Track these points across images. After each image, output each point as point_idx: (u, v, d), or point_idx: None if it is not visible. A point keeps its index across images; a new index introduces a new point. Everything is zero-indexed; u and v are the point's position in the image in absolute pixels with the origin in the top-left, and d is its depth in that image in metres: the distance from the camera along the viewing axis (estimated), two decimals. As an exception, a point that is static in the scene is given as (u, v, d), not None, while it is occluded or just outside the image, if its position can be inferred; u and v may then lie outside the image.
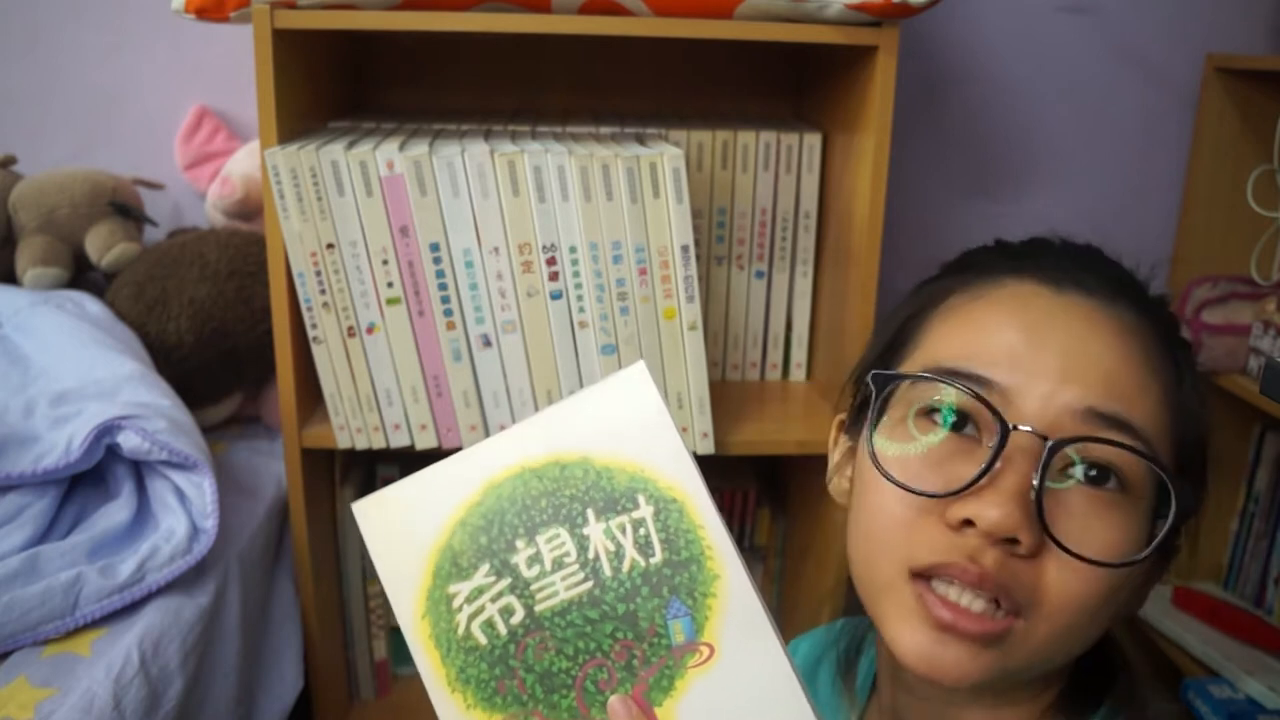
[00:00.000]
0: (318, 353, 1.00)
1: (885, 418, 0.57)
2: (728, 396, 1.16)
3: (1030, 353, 0.53)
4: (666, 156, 0.95)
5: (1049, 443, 0.50)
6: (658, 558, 0.52)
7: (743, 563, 0.52)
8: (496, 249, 0.97)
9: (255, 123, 0.96)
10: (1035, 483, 0.50)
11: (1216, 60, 1.33)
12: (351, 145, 0.96)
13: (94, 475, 0.93)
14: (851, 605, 0.70)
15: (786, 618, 1.30)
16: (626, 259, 0.97)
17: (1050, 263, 0.59)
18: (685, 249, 0.97)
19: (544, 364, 1.00)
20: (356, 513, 0.55)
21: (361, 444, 1.03)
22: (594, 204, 0.95)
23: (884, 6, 0.92)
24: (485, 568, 0.53)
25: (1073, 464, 0.52)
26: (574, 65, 1.32)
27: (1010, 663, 0.52)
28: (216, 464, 0.93)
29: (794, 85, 1.34)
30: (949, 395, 0.54)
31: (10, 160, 1.21)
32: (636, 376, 0.54)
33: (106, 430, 0.88)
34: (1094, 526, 0.51)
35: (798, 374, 1.24)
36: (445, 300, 0.98)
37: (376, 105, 1.32)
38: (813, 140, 1.15)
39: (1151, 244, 1.43)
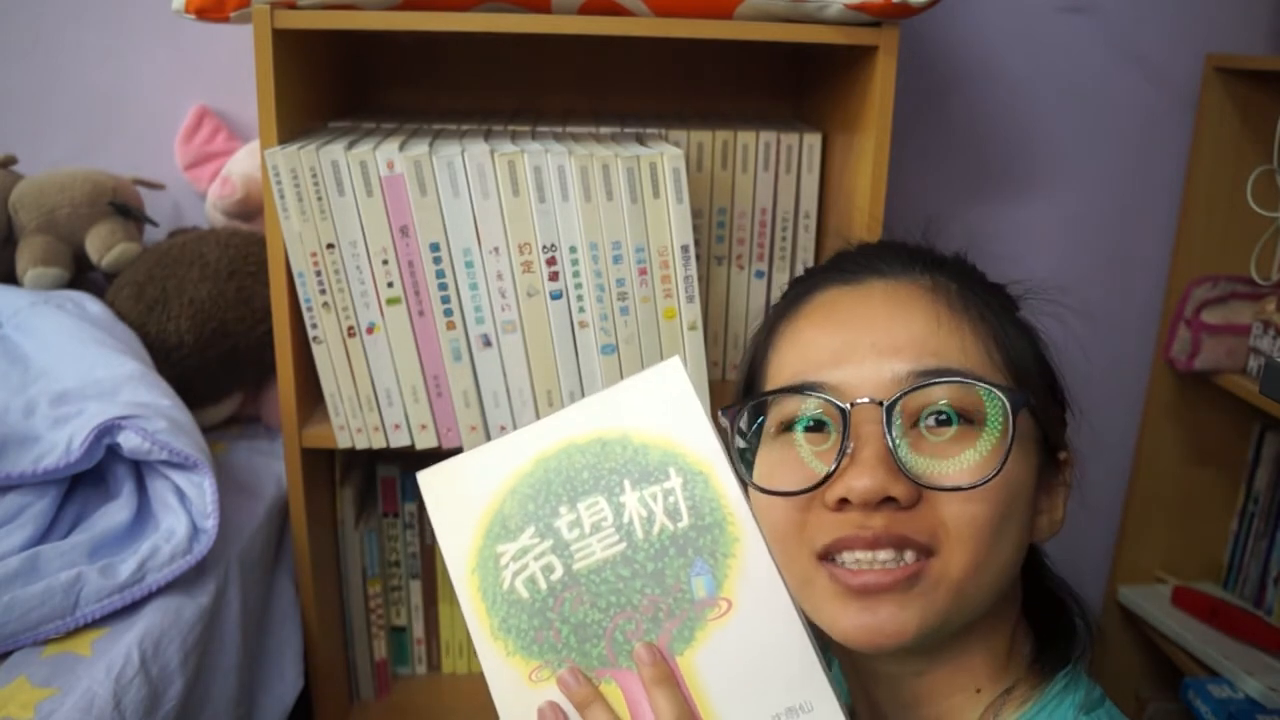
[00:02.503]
0: (318, 353, 1.00)
1: (760, 451, 0.62)
2: (728, 397, 1.15)
3: (846, 346, 0.59)
4: (666, 156, 0.95)
5: (885, 404, 0.56)
6: (685, 522, 0.60)
7: (760, 528, 0.60)
8: (496, 249, 0.97)
9: (255, 123, 0.96)
10: (888, 441, 0.55)
11: (1216, 60, 1.33)
12: (351, 145, 0.96)
13: (94, 475, 0.93)
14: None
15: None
16: (626, 259, 0.97)
17: (847, 263, 0.66)
18: (685, 249, 0.97)
19: (544, 364, 1.00)
20: (421, 481, 0.63)
21: (361, 444, 1.03)
22: (594, 204, 0.96)
23: (884, 6, 0.92)
24: (531, 530, 0.60)
25: (918, 418, 0.57)
26: (574, 65, 1.32)
27: (937, 606, 0.55)
28: (216, 464, 0.93)
29: (794, 85, 1.34)
30: (792, 406, 0.59)
31: (10, 160, 1.21)
32: (673, 368, 0.63)
33: (107, 430, 0.88)
34: (957, 458, 0.56)
35: (798, 374, 1.24)
36: (445, 300, 0.98)
37: (376, 105, 1.32)
38: (813, 140, 1.15)
39: (1151, 244, 1.43)
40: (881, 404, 0.56)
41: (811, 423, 0.59)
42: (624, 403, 0.62)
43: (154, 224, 1.23)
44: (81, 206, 1.15)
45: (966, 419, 0.56)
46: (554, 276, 0.97)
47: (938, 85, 1.37)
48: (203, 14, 0.96)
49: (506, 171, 0.94)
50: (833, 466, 0.56)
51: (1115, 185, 1.42)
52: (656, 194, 0.96)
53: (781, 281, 1.20)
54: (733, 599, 0.58)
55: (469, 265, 0.97)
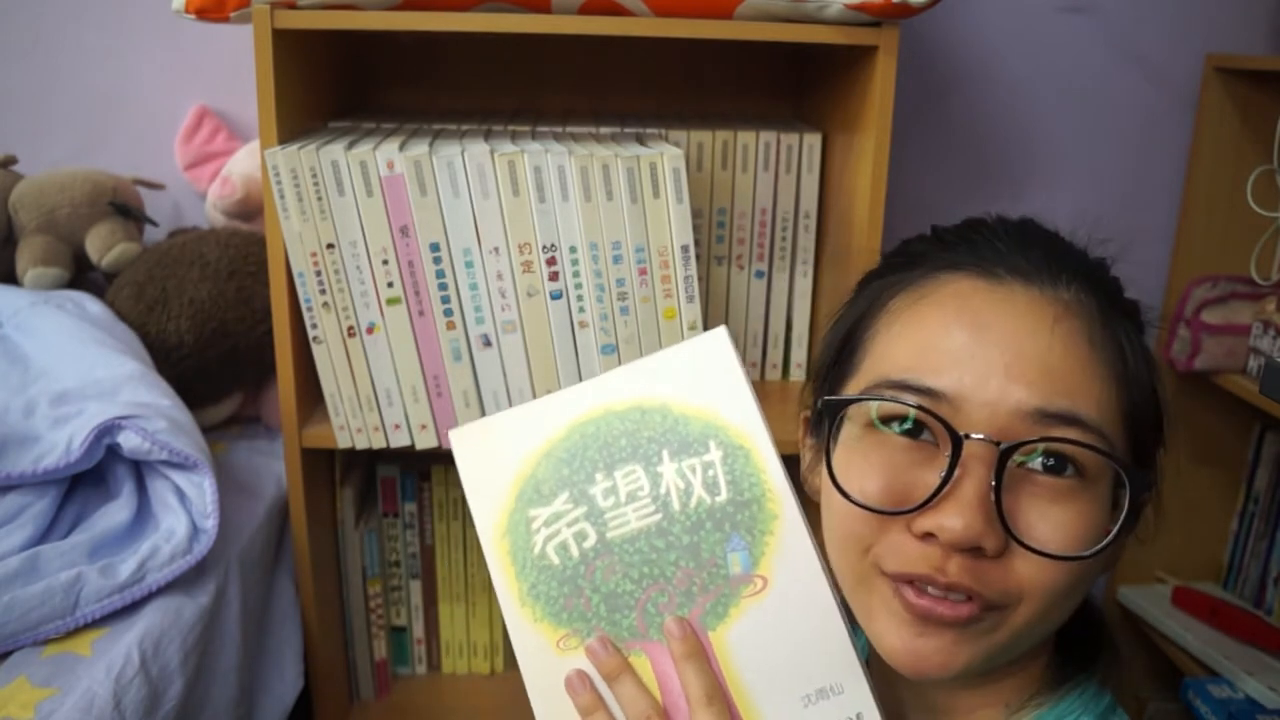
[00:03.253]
0: (318, 353, 1.00)
1: (843, 431, 0.58)
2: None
3: (974, 355, 0.53)
4: (666, 156, 0.95)
5: (1001, 447, 0.51)
6: (723, 497, 0.58)
7: (799, 507, 0.57)
8: (496, 249, 0.97)
9: (255, 123, 0.96)
10: (992, 487, 0.51)
11: (1216, 60, 1.33)
12: (351, 145, 0.96)
13: (94, 475, 0.93)
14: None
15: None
16: (626, 259, 0.97)
17: (986, 249, 0.58)
18: (685, 249, 0.97)
19: (544, 364, 1.00)
20: (453, 438, 0.60)
21: (361, 444, 1.03)
22: (594, 204, 0.96)
23: (884, 6, 0.92)
24: (565, 495, 0.59)
25: (1030, 457, 0.52)
26: (574, 65, 1.32)
27: (991, 648, 0.53)
28: (216, 464, 0.93)
29: (794, 85, 1.34)
30: (899, 410, 0.55)
31: (10, 160, 1.21)
32: (719, 338, 0.60)
33: (107, 430, 0.88)
34: (1056, 517, 0.52)
35: (798, 374, 1.24)
36: (445, 300, 0.98)
37: (376, 105, 1.32)
38: (813, 140, 1.15)
39: (1151, 244, 1.43)
40: (998, 445, 0.51)
41: (911, 425, 0.55)
42: (665, 371, 0.60)
43: (154, 224, 1.22)
44: (81, 206, 1.15)
45: (1079, 471, 0.52)
46: (554, 276, 0.97)
47: (938, 85, 1.37)
48: (203, 14, 0.96)
49: (506, 171, 0.94)
50: (931, 494, 0.52)
51: (1115, 185, 1.42)
52: (656, 194, 0.96)
53: (781, 281, 1.20)
54: (769, 577, 0.57)
55: (469, 265, 0.97)
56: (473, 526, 1.28)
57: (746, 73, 1.33)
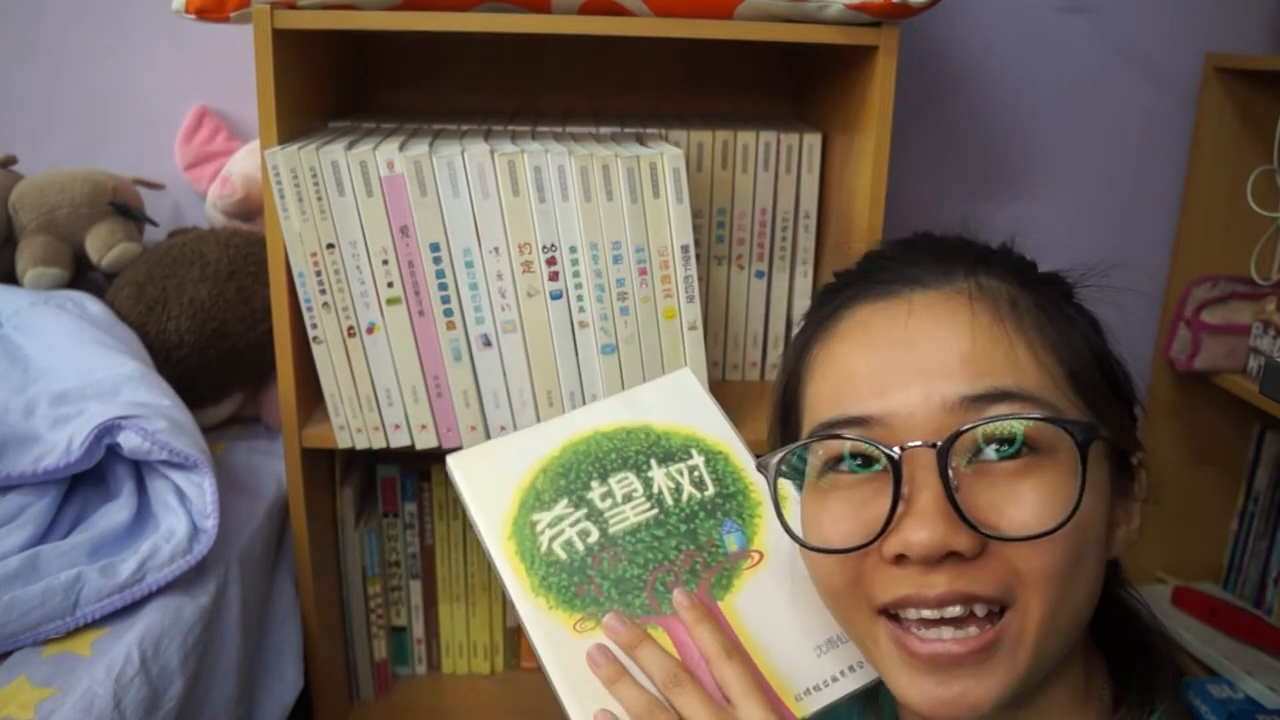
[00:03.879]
0: (318, 353, 1.00)
1: (804, 491, 0.58)
2: (728, 396, 1.15)
3: (887, 371, 0.53)
4: (666, 156, 0.95)
5: (938, 447, 0.50)
6: (710, 491, 0.64)
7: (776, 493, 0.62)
8: (496, 249, 0.97)
9: (255, 123, 0.96)
10: (945, 486, 0.50)
11: (1216, 60, 1.33)
12: (351, 145, 0.96)
13: (94, 475, 0.93)
14: None
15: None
16: (626, 259, 0.97)
17: (878, 273, 0.59)
18: (685, 249, 0.97)
19: (544, 364, 1.00)
20: (451, 462, 0.66)
21: (361, 444, 1.03)
22: (594, 204, 0.96)
23: (884, 6, 0.92)
24: (564, 501, 0.64)
25: (978, 449, 0.51)
26: (574, 65, 1.32)
27: (1017, 669, 0.51)
28: (216, 464, 0.93)
29: (794, 85, 1.34)
30: (836, 445, 0.54)
31: (10, 160, 1.21)
32: (686, 375, 0.70)
33: (107, 430, 0.88)
34: (1022, 496, 0.50)
35: (798, 374, 1.24)
36: (445, 300, 0.98)
37: (377, 105, 1.32)
38: (813, 140, 1.15)
39: (1151, 244, 1.43)
40: (935, 446, 0.50)
41: (859, 459, 0.54)
42: (642, 401, 0.68)
43: (154, 224, 1.22)
44: (81, 206, 1.15)
45: (1031, 446, 0.51)
46: (554, 276, 0.97)
47: (938, 85, 1.37)
48: (203, 14, 0.96)
49: (506, 171, 0.94)
50: (885, 520, 0.51)
51: (1115, 185, 1.42)
52: (656, 194, 0.96)
53: (781, 281, 1.21)
54: (764, 551, 0.62)
55: (469, 265, 0.97)
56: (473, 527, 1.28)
57: (746, 73, 1.33)
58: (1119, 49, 1.37)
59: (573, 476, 0.64)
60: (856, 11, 0.94)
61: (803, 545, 0.55)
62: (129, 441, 0.88)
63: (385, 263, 0.97)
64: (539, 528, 0.63)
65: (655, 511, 0.63)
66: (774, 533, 0.62)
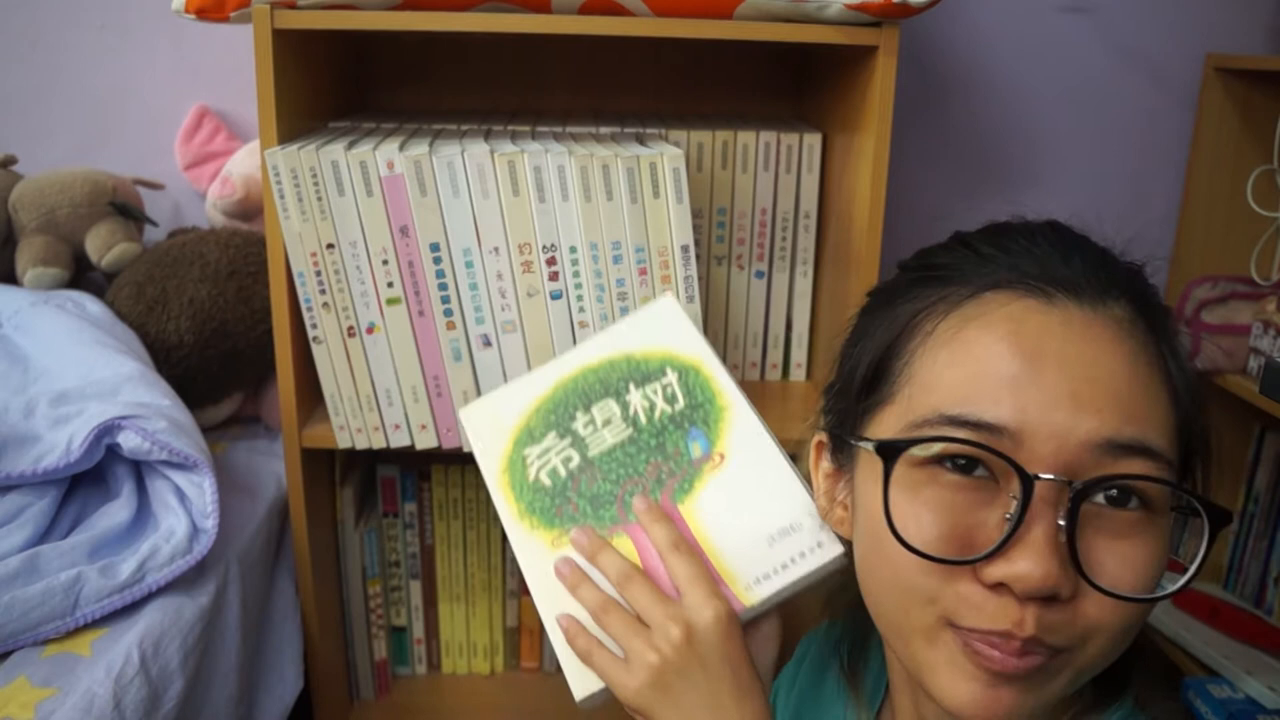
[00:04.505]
0: (318, 353, 1.00)
1: (891, 459, 0.54)
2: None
3: (1036, 385, 0.49)
4: (666, 156, 0.95)
5: (1073, 487, 0.48)
6: (680, 404, 0.70)
7: (745, 397, 0.69)
8: (496, 249, 0.97)
9: (255, 123, 0.96)
10: (1063, 530, 0.48)
11: (1216, 60, 1.33)
12: (351, 145, 0.96)
13: (94, 475, 0.93)
14: (844, 606, 0.70)
15: (784, 615, 1.30)
16: (626, 259, 0.97)
17: (1026, 261, 0.54)
18: (685, 249, 0.97)
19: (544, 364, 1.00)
20: (462, 415, 0.74)
21: (361, 444, 1.03)
22: (594, 204, 0.96)
23: (884, 6, 0.92)
24: (553, 434, 0.70)
25: (1096, 489, 0.49)
26: (574, 65, 1.32)
27: (1056, 689, 0.51)
28: (216, 464, 0.93)
29: (794, 85, 1.34)
30: (959, 448, 0.50)
31: (10, 160, 1.21)
32: (668, 301, 0.74)
33: (107, 430, 0.88)
34: (1125, 553, 0.49)
35: (798, 374, 1.24)
36: (445, 300, 0.98)
37: (376, 105, 1.32)
38: (813, 140, 1.15)
39: (1151, 244, 1.42)
40: (1070, 484, 0.48)
41: (964, 460, 0.51)
42: (629, 331, 0.73)
43: (154, 224, 1.23)
44: (81, 206, 1.15)
45: (1145, 503, 0.49)
46: (554, 276, 0.97)
47: (938, 85, 1.37)
48: (203, 14, 0.96)
49: (506, 171, 0.94)
50: (1000, 540, 0.48)
51: (1115, 185, 1.42)
52: (656, 194, 0.96)
53: (781, 281, 1.20)
54: (725, 453, 0.67)
55: (469, 265, 0.97)
56: (473, 527, 1.28)
57: (746, 73, 1.33)
58: (1119, 49, 1.37)
59: (561, 411, 0.71)
60: (856, 11, 0.94)
61: (906, 546, 0.51)
62: (129, 441, 0.88)
63: (385, 263, 0.97)
64: (529, 460, 0.70)
65: (630, 431, 0.69)
66: (736, 435, 0.68)
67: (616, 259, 0.97)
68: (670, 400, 0.70)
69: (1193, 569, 0.50)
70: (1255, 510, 1.44)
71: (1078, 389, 0.49)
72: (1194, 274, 1.38)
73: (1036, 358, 0.50)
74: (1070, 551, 0.48)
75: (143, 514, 0.91)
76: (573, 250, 0.97)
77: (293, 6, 0.93)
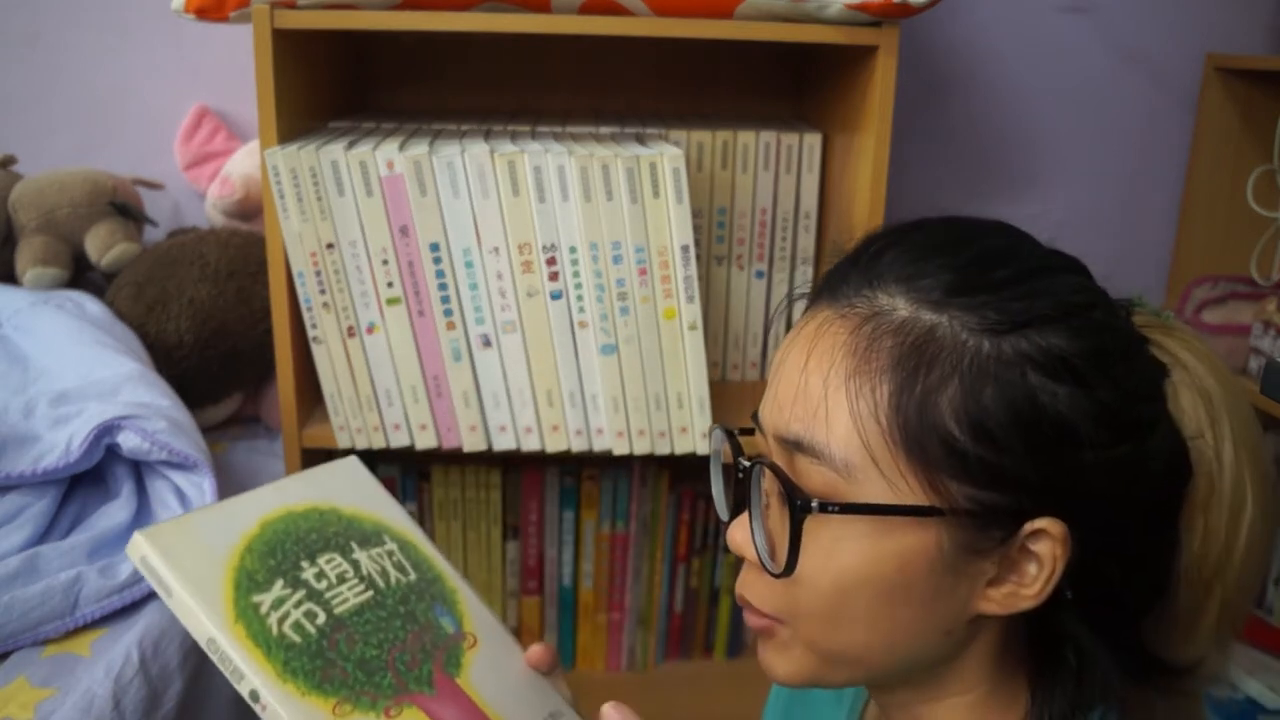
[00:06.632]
0: (318, 353, 1.00)
1: None
2: (728, 396, 1.16)
3: (770, 387, 0.56)
4: (666, 156, 0.95)
5: (753, 467, 0.54)
6: (412, 577, 0.66)
7: (468, 584, 0.68)
8: (496, 249, 0.97)
9: (255, 123, 0.96)
10: (751, 504, 0.54)
11: (1216, 60, 1.33)
12: (351, 145, 0.96)
13: (94, 475, 0.93)
14: None
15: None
16: (626, 259, 0.97)
17: (825, 277, 0.57)
18: (685, 249, 0.97)
19: (544, 364, 1.00)
20: (143, 537, 0.59)
21: (361, 444, 1.03)
22: (594, 204, 0.96)
23: (884, 6, 0.92)
24: (280, 582, 0.62)
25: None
26: (574, 65, 1.32)
27: (804, 660, 0.54)
28: (216, 464, 0.93)
29: (794, 85, 1.34)
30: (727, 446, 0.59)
31: (10, 160, 1.21)
32: (353, 463, 0.71)
33: (106, 430, 0.88)
34: (784, 538, 0.52)
35: (798, 374, 1.24)
36: (445, 300, 0.98)
37: (376, 105, 1.32)
38: (813, 140, 1.15)
39: (1151, 244, 1.43)
40: (753, 466, 0.54)
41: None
42: (325, 482, 0.68)
43: (154, 224, 1.22)
44: (81, 206, 1.15)
45: (789, 493, 0.52)
46: (554, 276, 0.97)
47: (938, 85, 1.37)
48: (203, 14, 0.96)
49: (506, 171, 0.94)
50: (728, 516, 0.57)
51: (1115, 185, 1.42)
52: (656, 194, 0.96)
53: (781, 281, 1.21)
54: (475, 634, 0.65)
55: (469, 265, 0.97)
56: (473, 528, 1.28)
57: (746, 73, 1.33)
58: (1119, 49, 1.37)
59: (280, 556, 0.63)
60: (856, 11, 0.94)
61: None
62: (129, 441, 0.88)
63: (385, 263, 0.97)
64: (263, 609, 0.60)
65: (371, 593, 0.63)
66: (474, 619, 0.66)
67: (616, 259, 0.97)
68: (400, 569, 0.65)
69: (794, 546, 0.51)
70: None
71: (780, 388, 0.54)
72: (1194, 274, 1.38)
73: (779, 364, 0.56)
74: (753, 525, 0.54)
75: (142, 514, 0.91)
76: (573, 250, 0.97)
77: (292, 6, 0.93)
